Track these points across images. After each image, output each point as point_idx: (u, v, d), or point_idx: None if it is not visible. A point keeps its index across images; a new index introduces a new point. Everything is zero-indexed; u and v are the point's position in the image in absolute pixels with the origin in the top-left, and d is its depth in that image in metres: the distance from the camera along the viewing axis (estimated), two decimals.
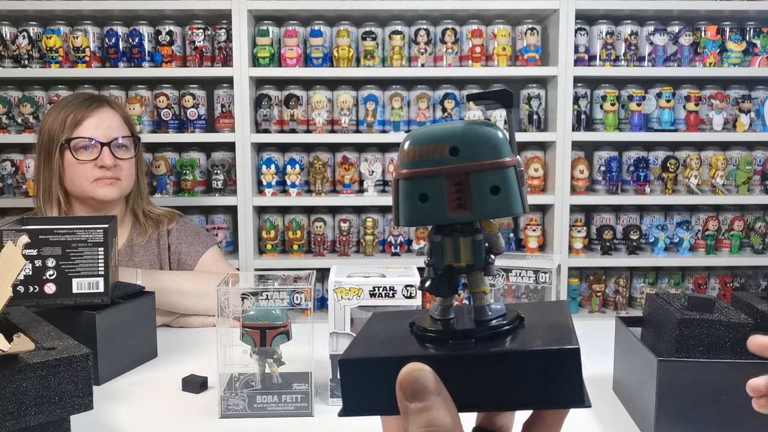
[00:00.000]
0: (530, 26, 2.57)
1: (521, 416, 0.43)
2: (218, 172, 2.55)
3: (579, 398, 0.34)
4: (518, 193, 0.37)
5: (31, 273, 1.21)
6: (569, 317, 0.38)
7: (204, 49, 2.54)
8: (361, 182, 2.61)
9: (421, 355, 0.37)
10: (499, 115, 2.55)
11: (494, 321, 0.38)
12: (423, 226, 0.39)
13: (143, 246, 1.79)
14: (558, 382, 0.34)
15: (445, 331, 0.38)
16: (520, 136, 2.60)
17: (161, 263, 1.81)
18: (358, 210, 2.64)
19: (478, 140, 0.37)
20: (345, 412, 0.37)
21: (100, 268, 1.24)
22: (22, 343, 0.86)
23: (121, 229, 1.81)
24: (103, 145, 1.70)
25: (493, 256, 0.39)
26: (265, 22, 2.57)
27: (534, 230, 2.59)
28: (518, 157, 0.37)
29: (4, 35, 2.55)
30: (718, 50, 2.58)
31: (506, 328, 0.38)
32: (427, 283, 0.39)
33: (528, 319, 0.39)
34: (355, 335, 0.42)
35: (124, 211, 1.81)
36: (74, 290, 1.23)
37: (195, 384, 1.17)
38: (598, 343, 1.22)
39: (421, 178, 0.37)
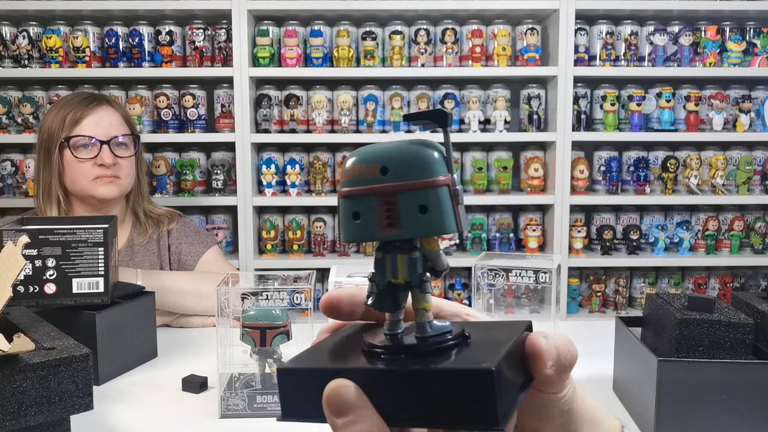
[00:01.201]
0: (530, 26, 2.57)
1: None
2: (218, 172, 2.55)
3: (493, 420, 0.34)
4: (450, 211, 0.37)
5: (31, 273, 1.21)
6: (515, 338, 0.38)
7: (204, 49, 2.54)
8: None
9: (343, 368, 0.38)
10: (499, 115, 2.55)
11: (434, 338, 0.39)
12: (357, 242, 0.40)
13: (143, 246, 1.79)
14: (472, 402, 0.34)
15: (380, 346, 0.39)
16: (520, 136, 2.60)
17: (161, 263, 1.81)
18: None
19: (407, 160, 0.38)
20: (283, 417, 0.39)
21: (100, 268, 1.24)
22: (22, 343, 0.86)
23: (122, 228, 1.80)
24: (102, 143, 1.70)
25: (428, 274, 0.39)
26: (265, 22, 2.57)
27: (534, 230, 2.59)
28: (454, 176, 0.38)
29: (4, 35, 2.55)
30: (718, 50, 2.58)
31: (442, 345, 0.38)
32: (370, 299, 0.40)
33: (474, 337, 0.40)
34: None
35: (125, 210, 1.81)
36: (74, 290, 1.23)
37: (195, 384, 1.17)
38: (598, 343, 1.22)
39: (355, 196, 0.38)
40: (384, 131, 2.58)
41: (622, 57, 2.61)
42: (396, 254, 0.39)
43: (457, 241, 2.61)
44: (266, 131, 2.56)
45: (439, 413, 0.35)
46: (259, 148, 2.64)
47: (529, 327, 0.41)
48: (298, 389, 0.39)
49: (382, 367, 0.37)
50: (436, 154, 0.38)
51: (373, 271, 0.40)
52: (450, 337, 0.39)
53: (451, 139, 0.39)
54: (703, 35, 2.61)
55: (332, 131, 2.59)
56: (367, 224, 0.38)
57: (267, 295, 1.09)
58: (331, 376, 0.37)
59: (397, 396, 0.36)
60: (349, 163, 0.39)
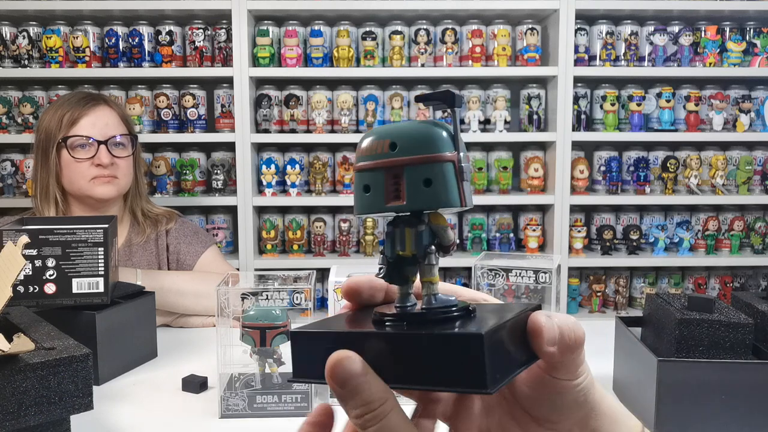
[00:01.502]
0: (530, 26, 2.57)
1: None
2: (218, 172, 2.55)
3: (482, 384, 0.36)
4: (453, 186, 0.39)
5: (31, 273, 1.21)
6: (518, 315, 0.40)
7: (204, 49, 2.54)
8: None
9: (345, 331, 0.41)
10: (499, 115, 2.55)
11: (437, 309, 0.41)
12: (367, 214, 0.43)
13: (141, 246, 1.79)
14: (463, 365, 0.36)
15: (387, 315, 0.41)
16: (520, 136, 2.60)
17: (160, 263, 1.81)
18: None
19: (415, 136, 0.40)
20: (294, 378, 0.41)
21: (100, 268, 1.24)
22: (22, 343, 0.86)
23: (120, 228, 1.80)
24: (100, 143, 1.70)
25: (433, 248, 0.41)
26: (265, 22, 2.57)
27: (534, 230, 2.59)
28: (462, 153, 0.40)
29: (4, 35, 2.55)
30: (718, 50, 2.58)
31: (444, 315, 0.40)
32: (381, 272, 0.43)
33: (479, 313, 0.42)
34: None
35: (123, 210, 1.81)
36: (74, 290, 1.23)
37: (195, 384, 1.17)
38: (598, 343, 1.22)
39: (366, 171, 0.41)
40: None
41: (622, 57, 2.61)
42: (404, 228, 0.41)
43: (457, 241, 2.61)
44: (266, 131, 2.56)
45: (435, 376, 0.37)
46: (259, 148, 2.64)
47: (536, 308, 0.42)
48: (307, 352, 0.41)
49: (381, 331, 0.39)
50: (443, 133, 0.40)
51: (384, 245, 0.43)
52: (454, 309, 0.41)
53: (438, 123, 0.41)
54: (703, 35, 2.61)
55: (332, 131, 2.59)
56: (376, 196, 0.41)
57: (267, 295, 1.09)
58: (334, 340, 0.39)
59: (396, 359, 0.38)
60: (362, 140, 0.42)
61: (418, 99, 0.42)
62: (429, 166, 0.39)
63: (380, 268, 0.42)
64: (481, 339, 0.35)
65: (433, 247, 0.41)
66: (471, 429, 0.47)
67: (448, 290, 0.46)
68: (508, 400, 0.45)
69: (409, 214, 0.41)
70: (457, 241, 0.42)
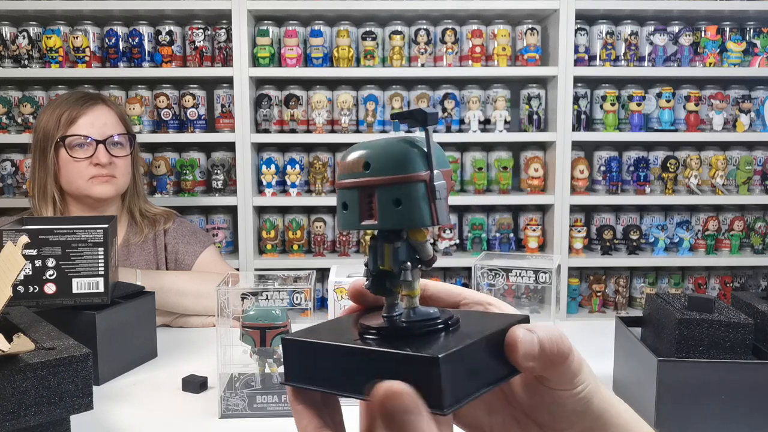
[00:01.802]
0: (530, 26, 2.57)
1: None
2: (218, 172, 2.55)
3: (438, 404, 0.37)
4: (423, 206, 0.40)
5: (31, 273, 1.21)
6: (497, 329, 0.41)
7: (204, 49, 2.54)
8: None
9: (322, 342, 0.42)
10: (499, 115, 2.55)
11: (415, 323, 0.42)
12: (346, 230, 0.43)
13: (139, 245, 1.79)
14: (422, 384, 0.37)
15: (366, 327, 0.43)
16: (520, 136, 2.60)
17: (158, 263, 1.81)
18: None
19: (387, 156, 0.41)
20: (285, 381, 0.43)
21: (100, 268, 1.24)
22: (22, 343, 0.86)
23: (118, 228, 1.80)
24: (98, 142, 1.69)
25: (409, 263, 0.42)
26: (265, 22, 2.57)
27: (534, 230, 2.59)
28: (435, 172, 0.40)
29: (4, 35, 2.55)
30: (718, 50, 2.58)
31: (421, 330, 0.42)
32: (366, 283, 0.44)
33: (462, 325, 0.43)
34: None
35: (121, 210, 1.81)
36: (74, 290, 1.23)
37: (195, 384, 1.17)
38: (598, 343, 1.22)
39: (344, 189, 0.42)
40: (384, 131, 2.58)
41: (622, 57, 2.61)
42: (383, 243, 0.42)
43: (457, 241, 2.61)
44: (266, 131, 2.56)
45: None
46: (259, 148, 2.64)
47: (522, 320, 0.42)
48: (298, 357, 0.43)
49: (353, 345, 0.41)
50: (414, 151, 0.40)
51: (368, 258, 0.44)
52: (431, 323, 0.42)
53: (434, 137, 0.42)
54: (703, 35, 2.61)
55: (332, 131, 2.59)
56: (352, 214, 0.42)
57: (267, 295, 1.09)
58: (316, 348, 0.42)
59: (367, 372, 0.39)
60: (344, 155, 0.43)
61: (393, 117, 0.44)
62: (398, 187, 0.40)
63: (366, 279, 0.44)
64: (437, 362, 0.36)
65: (408, 264, 0.42)
66: (477, 427, 0.47)
67: (453, 293, 0.47)
68: (510, 403, 0.45)
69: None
70: (450, 266, 0.42)
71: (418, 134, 0.42)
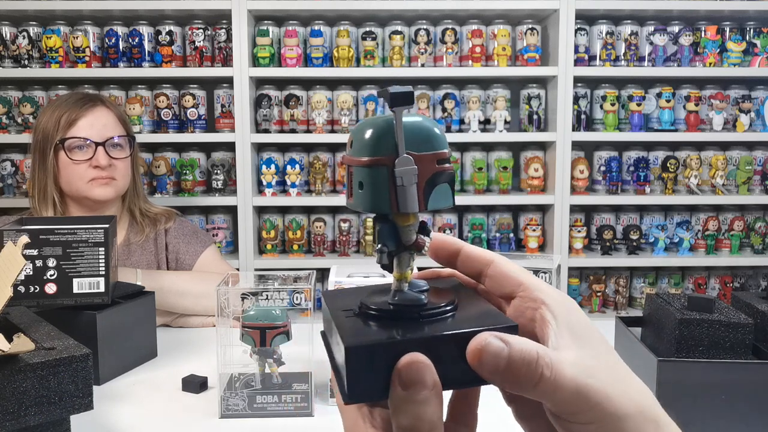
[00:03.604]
0: (530, 26, 2.57)
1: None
2: (218, 172, 2.55)
3: (343, 392, 0.37)
4: (381, 192, 0.39)
5: (31, 273, 1.21)
6: (471, 328, 0.38)
7: (204, 49, 2.54)
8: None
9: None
10: (499, 115, 2.55)
11: (391, 308, 0.41)
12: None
13: (140, 245, 1.79)
14: (342, 369, 0.37)
15: (370, 307, 0.41)
16: (520, 136, 2.60)
17: (158, 263, 1.81)
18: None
19: (359, 136, 0.40)
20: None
21: (100, 268, 1.24)
22: (22, 343, 0.86)
23: (118, 228, 1.80)
24: (97, 144, 1.69)
25: (383, 246, 0.41)
26: (265, 22, 2.57)
27: (534, 230, 2.59)
28: (403, 156, 0.38)
29: (4, 35, 2.55)
30: (718, 50, 2.58)
31: (395, 315, 0.41)
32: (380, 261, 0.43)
33: (441, 317, 0.41)
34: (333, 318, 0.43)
35: (121, 210, 1.81)
36: (75, 290, 1.23)
37: (195, 384, 1.17)
38: None
39: (344, 164, 0.43)
40: None
41: (622, 57, 2.61)
42: (374, 224, 0.42)
43: (427, 240, 2.61)
44: (266, 131, 2.56)
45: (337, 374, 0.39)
46: (259, 148, 2.64)
47: (510, 329, 0.38)
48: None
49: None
50: (381, 134, 0.39)
51: None
52: (404, 308, 0.40)
53: (403, 121, 0.39)
54: (703, 35, 2.61)
55: (332, 131, 2.59)
56: (346, 191, 0.42)
57: (267, 295, 1.09)
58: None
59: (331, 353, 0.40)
60: None
61: (379, 94, 0.41)
62: (361, 170, 0.39)
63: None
64: (349, 351, 0.36)
65: (383, 247, 0.41)
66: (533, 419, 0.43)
67: (482, 260, 0.44)
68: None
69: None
70: (427, 240, 0.41)
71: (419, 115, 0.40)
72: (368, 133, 0.39)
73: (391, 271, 0.42)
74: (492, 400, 0.47)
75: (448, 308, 0.41)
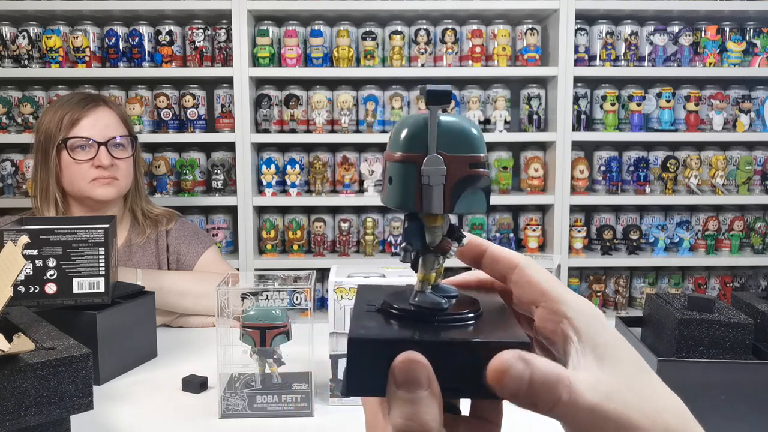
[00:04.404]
0: (530, 26, 2.57)
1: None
2: (218, 172, 2.55)
3: (343, 384, 0.37)
4: (407, 189, 0.38)
5: (31, 273, 1.21)
6: (486, 340, 0.38)
7: (204, 49, 2.54)
8: (361, 182, 2.61)
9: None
10: (499, 115, 2.55)
11: (412, 309, 0.40)
12: None
13: (141, 246, 1.79)
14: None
15: (392, 306, 0.41)
16: (520, 136, 2.60)
17: (159, 263, 1.81)
18: (358, 210, 2.64)
19: (397, 132, 0.39)
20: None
21: (100, 268, 1.24)
22: (22, 343, 0.86)
23: (120, 229, 1.80)
24: (99, 144, 1.69)
25: (409, 245, 0.40)
26: (265, 22, 2.57)
27: (534, 230, 2.59)
28: (433, 155, 0.38)
29: (4, 35, 2.55)
30: (718, 50, 2.58)
31: (414, 316, 0.40)
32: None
33: (457, 324, 0.40)
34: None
35: (123, 210, 1.81)
36: (75, 290, 1.23)
37: (195, 384, 1.17)
38: None
39: None
40: (384, 131, 2.58)
41: (622, 57, 2.61)
42: (404, 221, 0.41)
43: (453, 245, 2.61)
44: (266, 131, 2.56)
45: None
46: (259, 148, 2.64)
47: (524, 345, 0.37)
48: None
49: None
50: (414, 131, 0.38)
51: None
52: (423, 310, 0.40)
53: (440, 120, 0.38)
54: (703, 35, 2.61)
55: (332, 131, 2.59)
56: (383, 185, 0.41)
57: (267, 295, 1.09)
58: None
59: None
60: None
61: (420, 91, 0.40)
62: (393, 164, 0.39)
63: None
64: (349, 342, 0.36)
65: (408, 245, 0.40)
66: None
67: (509, 263, 0.43)
68: None
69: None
70: (454, 245, 0.41)
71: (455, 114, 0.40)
72: (404, 130, 0.39)
73: (416, 271, 0.42)
74: None
75: (466, 317, 0.40)
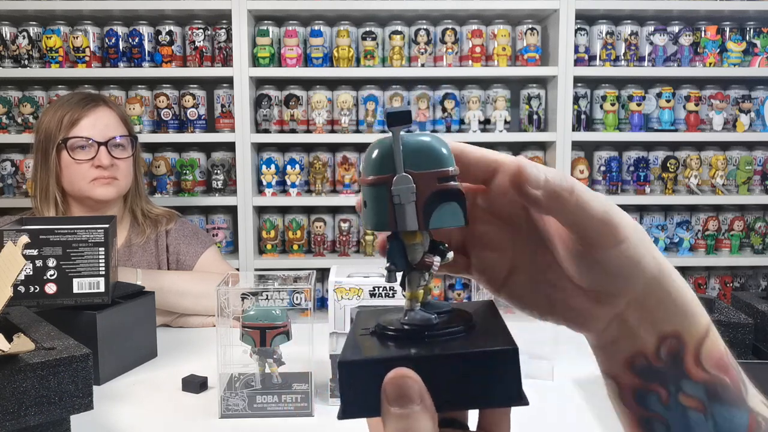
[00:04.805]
0: (530, 26, 2.57)
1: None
2: (218, 172, 2.55)
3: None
4: (380, 210, 0.39)
5: (31, 273, 1.21)
6: (462, 350, 0.39)
7: (204, 49, 2.54)
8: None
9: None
10: (499, 115, 2.55)
11: (402, 328, 0.41)
12: None
13: (141, 246, 1.79)
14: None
15: (388, 329, 0.41)
16: (520, 136, 2.60)
17: (159, 264, 1.81)
18: None
19: (367, 156, 0.40)
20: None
21: (100, 268, 1.24)
22: (22, 343, 0.86)
23: (120, 229, 1.80)
24: (99, 144, 1.69)
25: (392, 266, 0.41)
26: (265, 22, 2.57)
27: None
28: (401, 175, 0.38)
29: (4, 35, 2.55)
30: (718, 50, 2.58)
31: (458, 329, 0.40)
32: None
33: (451, 337, 0.41)
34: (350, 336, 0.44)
35: (123, 210, 1.81)
36: (75, 290, 1.23)
37: (195, 384, 1.17)
38: None
39: None
40: (384, 131, 2.58)
41: (622, 57, 2.61)
42: (386, 243, 0.41)
43: (436, 260, 2.60)
44: (266, 131, 2.56)
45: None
46: (259, 148, 2.64)
47: (512, 352, 0.38)
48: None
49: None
50: (378, 153, 0.39)
51: None
52: (413, 328, 0.40)
53: (405, 139, 0.39)
54: (703, 35, 2.61)
55: (332, 131, 2.59)
56: None
57: (267, 295, 1.09)
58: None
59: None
60: None
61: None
62: (365, 188, 0.40)
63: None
64: (340, 366, 0.37)
65: (389, 265, 0.41)
66: (523, 303, 0.44)
67: (488, 162, 0.42)
68: (554, 272, 0.42)
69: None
70: (436, 260, 0.40)
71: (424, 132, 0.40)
72: (373, 153, 0.40)
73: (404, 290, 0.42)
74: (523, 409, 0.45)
75: (457, 330, 0.40)
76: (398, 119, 0.38)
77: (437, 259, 0.41)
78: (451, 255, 0.42)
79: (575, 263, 0.39)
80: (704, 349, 0.40)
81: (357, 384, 0.37)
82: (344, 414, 0.37)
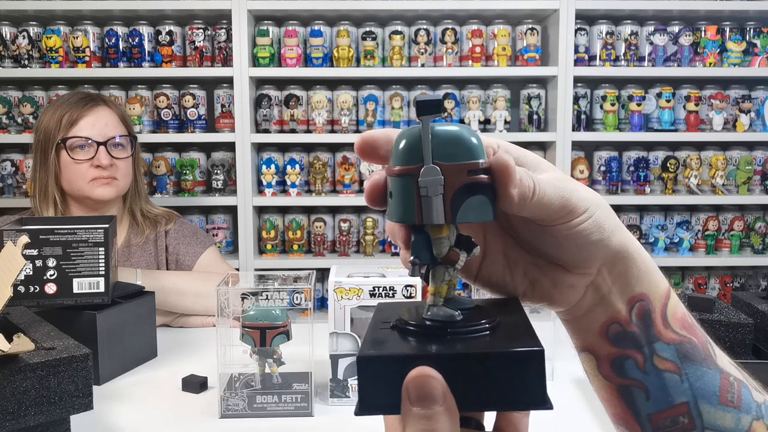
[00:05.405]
0: (530, 26, 2.57)
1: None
2: (218, 172, 2.55)
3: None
4: (405, 202, 0.38)
5: (31, 273, 1.21)
6: (482, 350, 0.38)
7: (204, 49, 2.54)
8: (361, 182, 2.61)
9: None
10: (499, 115, 2.55)
11: (425, 324, 0.40)
12: None
13: (140, 246, 1.79)
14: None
15: (408, 324, 0.41)
16: (520, 136, 2.60)
17: (158, 264, 1.81)
18: (358, 210, 2.64)
19: (395, 146, 0.39)
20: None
21: (100, 268, 1.24)
22: (22, 343, 0.86)
23: (119, 229, 1.80)
24: (99, 144, 1.69)
25: (417, 259, 0.40)
26: (265, 22, 2.57)
27: None
28: (429, 166, 0.37)
29: (4, 35, 2.55)
30: (718, 50, 2.58)
31: (412, 329, 0.40)
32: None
33: (473, 335, 0.40)
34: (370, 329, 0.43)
35: (122, 210, 1.81)
36: (75, 290, 1.23)
37: (195, 384, 1.17)
38: None
39: None
40: None
41: (622, 57, 2.61)
42: (411, 235, 0.40)
43: (462, 255, 2.60)
44: (266, 131, 2.56)
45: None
46: (259, 148, 2.64)
47: (537, 354, 0.38)
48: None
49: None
50: (410, 144, 0.38)
51: None
52: (436, 324, 0.40)
53: (435, 130, 0.38)
54: (703, 35, 2.61)
55: (332, 131, 2.59)
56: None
57: (267, 295, 1.09)
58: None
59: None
60: None
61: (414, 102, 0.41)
62: (392, 179, 0.39)
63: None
64: (359, 361, 0.36)
65: (413, 258, 0.39)
66: (501, 286, 0.45)
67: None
68: (527, 251, 0.44)
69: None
70: (462, 255, 0.39)
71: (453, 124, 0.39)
72: (401, 143, 0.38)
73: (428, 285, 0.41)
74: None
75: (481, 328, 0.39)
76: (428, 108, 0.37)
77: (464, 254, 0.40)
78: (477, 250, 0.41)
79: (544, 241, 0.42)
80: (669, 308, 0.43)
81: (376, 380, 0.36)
82: (361, 410, 0.36)
